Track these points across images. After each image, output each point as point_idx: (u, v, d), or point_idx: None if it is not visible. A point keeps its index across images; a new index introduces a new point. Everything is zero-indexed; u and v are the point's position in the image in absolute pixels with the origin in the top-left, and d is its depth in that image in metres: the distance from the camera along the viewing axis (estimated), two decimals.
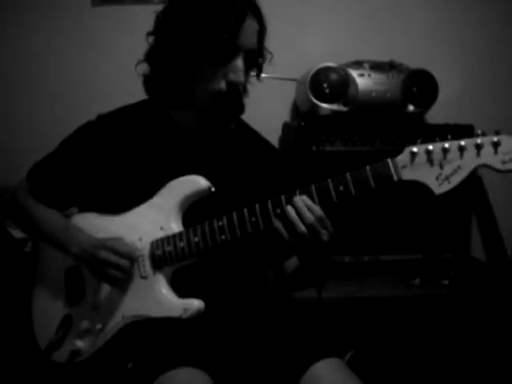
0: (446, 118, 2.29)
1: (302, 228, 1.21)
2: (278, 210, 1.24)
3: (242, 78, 1.33)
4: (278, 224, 1.24)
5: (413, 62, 2.27)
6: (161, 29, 1.38)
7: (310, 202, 1.21)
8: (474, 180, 2.28)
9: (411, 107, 2.22)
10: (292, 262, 1.45)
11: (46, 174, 1.49)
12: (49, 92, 2.48)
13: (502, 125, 2.67)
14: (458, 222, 2.23)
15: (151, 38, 1.40)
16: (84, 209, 1.51)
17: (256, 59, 1.41)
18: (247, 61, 1.36)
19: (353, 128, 2.15)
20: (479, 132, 1.12)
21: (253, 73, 1.44)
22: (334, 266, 2.15)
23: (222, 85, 1.34)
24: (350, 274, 2.16)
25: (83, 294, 1.44)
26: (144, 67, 1.43)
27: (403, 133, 2.17)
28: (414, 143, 1.16)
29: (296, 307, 1.51)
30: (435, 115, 2.36)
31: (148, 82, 1.43)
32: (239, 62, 1.32)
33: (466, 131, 2.16)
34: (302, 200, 1.21)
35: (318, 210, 1.21)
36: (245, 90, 1.43)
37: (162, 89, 1.41)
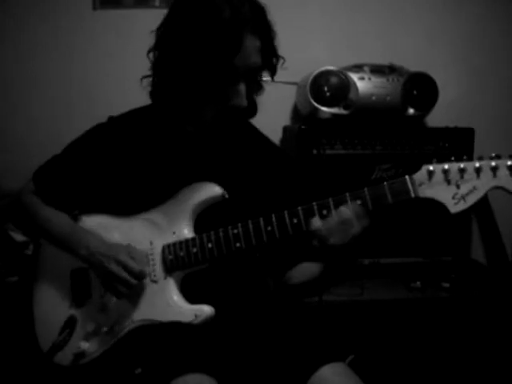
0: (446, 121, 2.30)
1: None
2: (295, 220, 1.25)
3: (244, 102, 1.30)
4: (318, 224, 1.23)
5: (413, 66, 2.27)
6: (160, 48, 1.35)
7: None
8: None
9: (411, 110, 2.23)
10: (299, 270, 1.44)
11: (54, 176, 1.48)
12: (49, 94, 2.48)
13: (502, 128, 2.69)
14: (458, 224, 2.23)
15: (152, 54, 1.37)
16: (90, 211, 1.50)
17: (264, 70, 1.37)
18: (253, 77, 1.32)
19: (353, 131, 2.16)
20: (493, 155, 1.14)
21: (266, 77, 1.40)
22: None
23: (225, 108, 1.32)
24: (351, 277, 2.16)
25: (89, 295, 1.43)
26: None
27: (403, 136, 2.18)
28: (429, 161, 1.18)
29: (299, 311, 1.51)
30: (435, 118, 2.36)
31: (152, 95, 1.41)
32: (241, 87, 1.29)
33: (466, 134, 2.21)
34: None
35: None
36: (260, 88, 1.40)
37: (166, 104, 1.40)
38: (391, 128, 2.20)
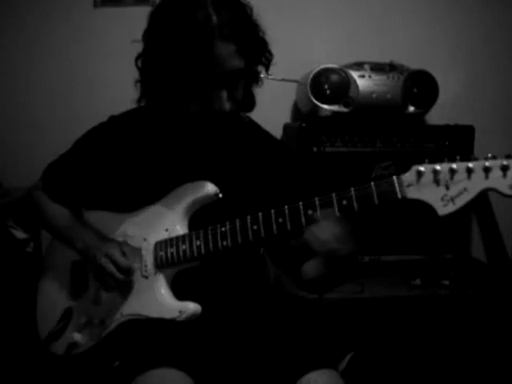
0: (446, 118, 2.30)
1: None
2: (281, 220, 1.24)
3: (225, 107, 1.28)
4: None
5: (413, 63, 2.27)
6: (143, 55, 1.36)
7: None
8: None
9: (411, 108, 2.23)
10: (311, 265, 1.40)
11: (59, 174, 1.54)
12: (50, 92, 2.49)
13: (502, 126, 2.69)
14: (458, 222, 2.23)
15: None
16: (92, 208, 1.55)
17: (250, 71, 1.35)
18: (235, 80, 1.30)
19: (353, 129, 2.16)
20: (489, 155, 1.08)
21: (262, 74, 1.39)
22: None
23: (208, 110, 1.31)
24: (355, 274, 2.16)
25: (86, 287, 1.47)
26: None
27: (404, 134, 2.18)
28: (421, 162, 1.14)
29: (293, 312, 1.51)
30: (435, 116, 2.36)
31: (144, 94, 1.41)
32: (222, 92, 1.27)
33: (467, 132, 2.22)
34: None
35: None
36: (257, 82, 1.39)
37: (156, 103, 1.40)
38: (391, 126, 2.20)
